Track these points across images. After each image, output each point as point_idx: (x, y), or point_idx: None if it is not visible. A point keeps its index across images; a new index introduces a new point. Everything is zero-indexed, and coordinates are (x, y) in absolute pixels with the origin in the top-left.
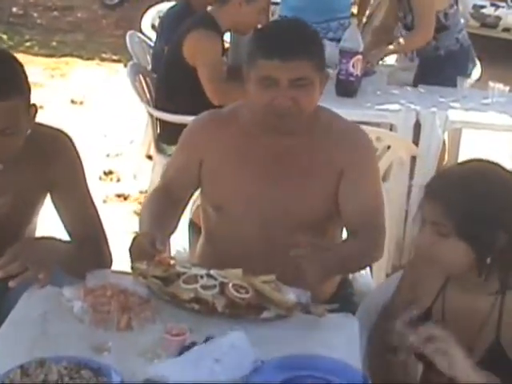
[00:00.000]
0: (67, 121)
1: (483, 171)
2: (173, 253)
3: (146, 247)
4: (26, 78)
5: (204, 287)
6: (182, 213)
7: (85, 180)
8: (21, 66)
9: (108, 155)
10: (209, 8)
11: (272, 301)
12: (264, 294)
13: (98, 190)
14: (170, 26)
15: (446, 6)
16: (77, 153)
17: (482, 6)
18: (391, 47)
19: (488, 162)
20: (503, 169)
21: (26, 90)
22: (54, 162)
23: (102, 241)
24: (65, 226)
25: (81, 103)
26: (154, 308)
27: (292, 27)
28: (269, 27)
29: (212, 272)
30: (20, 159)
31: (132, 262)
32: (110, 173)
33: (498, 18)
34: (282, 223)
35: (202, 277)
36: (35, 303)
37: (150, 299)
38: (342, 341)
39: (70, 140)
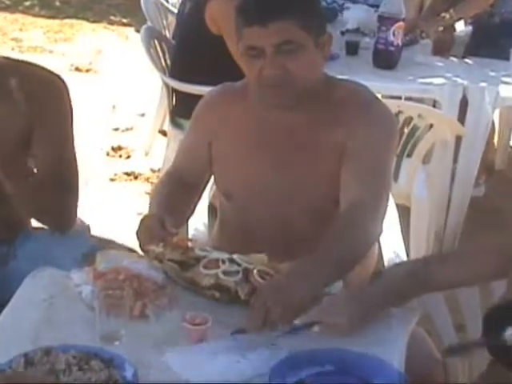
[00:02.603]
0: (71, 90)
1: None
2: (190, 235)
3: (155, 230)
4: None
5: (226, 273)
6: (197, 200)
7: (71, 127)
8: None
9: (117, 129)
10: None
11: None
12: None
13: (106, 167)
14: None
15: None
16: (69, 100)
17: None
18: (447, 15)
19: None
20: None
21: None
22: (42, 100)
23: (70, 192)
24: (36, 166)
25: (87, 71)
26: (170, 295)
27: None
28: None
29: (235, 257)
30: (10, 96)
31: (141, 246)
32: (119, 148)
33: None
34: (290, 210)
35: (223, 262)
36: (40, 287)
37: (166, 285)
38: (389, 335)
39: (66, 88)
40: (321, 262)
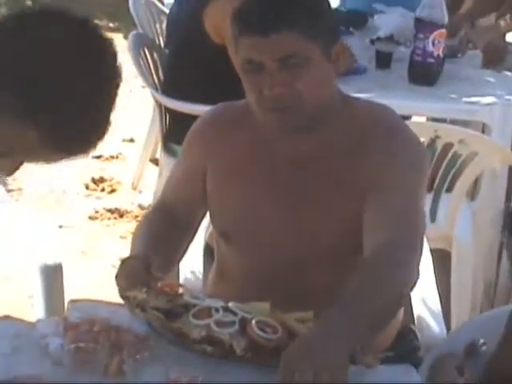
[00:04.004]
0: None
1: None
2: (182, 280)
3: (139, 273)
4: None
5: (219, 323)
6: (189, 239)
7: None
8: None
9: (99, 157)
10: None
11: None
12: (298, 336)
13: (84, 203)
14: None
15: None
16: None
17: None
18: (501, 22)
19: None
20: None
21: None
22: None
23: None
24: None
25: None
26: (153, 348)
27: None
28: None
29: (230, 305)
30: None
31: (121, 292)
32: (102, 180)
33: None
34: (298, 255)
35: (217, 310)
36: (1, 339)
37: (148, 337)
38: None
39: None
40: (354, 317)
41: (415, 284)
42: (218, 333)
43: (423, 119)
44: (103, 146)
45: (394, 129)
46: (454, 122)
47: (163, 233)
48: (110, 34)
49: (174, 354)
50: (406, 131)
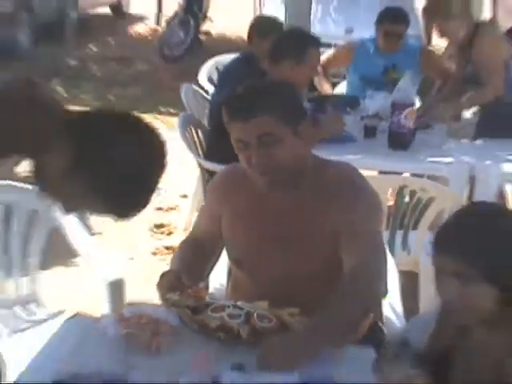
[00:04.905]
0: None
1: (493, 214)
2: (211, 289)
3: (173, 282)
4: None
5: (230, 316)
6: (213, 261)
7: None
8: None
9: (160, 209)
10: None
11: None
12: (287, 326)
13: (149, 242)
14: (229, 81)
15: (506, 57)
16: None
17: None
18: (460, 103)
19: (491, 204)
20: (505, 209)
21: None
22: None
23: None
24: None
25: None
26: (182, 335)
27: (252, 84)
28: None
29: (239, 303)
30: None
31: (161, 296)
32: (162, 226)
33: None
34: (291, 276)
35: (228, 307)
36: (73, 327)
37: (179, 327)
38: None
39: None
40: (335, 319)
41: (386, 293)
42: (230, 322)
43: (408, 175)
44: (165, 200)
45: (355, 183)
46: (431, 177)
47: (191, 255)
48: (170, 119)
49: (198, 340)
50: (364, 185)
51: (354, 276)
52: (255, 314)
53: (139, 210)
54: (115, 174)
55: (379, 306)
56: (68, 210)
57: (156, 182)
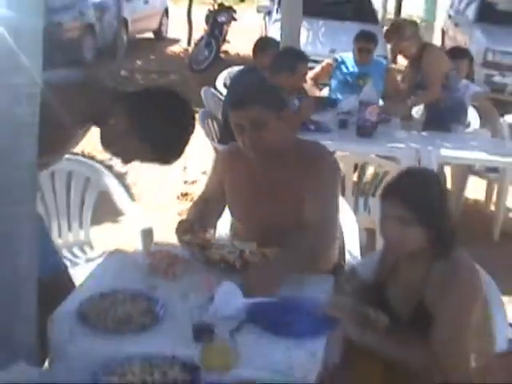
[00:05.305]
0: None
1: (424, 174)
2: (217, 236)
3: (186, 228)
4: None
5: (229, 252)
6: (218, 215)
7: None
8: None
9: (186, 182)
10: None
11: None
12: (270, 260)
13: (176, 207)
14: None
15: (447, 70)
16: None
17: (492, 75)
18: (410, 102)
19: (427, 170)
20: (432, 172)
21: None
22: None
23: None
24: None
25: None
26: (193, 265)
27: (243, 80)
28: (230, 83)
29: (235, 243)
30: None
31: (177, 237)
32: (186, 194)
33: (505, 85)
34: (275, 228)
35: (227, 246)
36: (112, 261)
37: (190, 260)
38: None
39: None
40: (292, 257)
41: (333, 239)
42: (228, 257)
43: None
44: (189, 175)
45: (325, 158)
46: (388, 158)
47: (201, 211)
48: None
49: (204, 269)
50: (329, 159)
51: (315, 222)
52: (247, 251)
53: (176, 159)
54: (160, 134)
55: (337, 249)
56: (126, 161)
57: (188, 139)
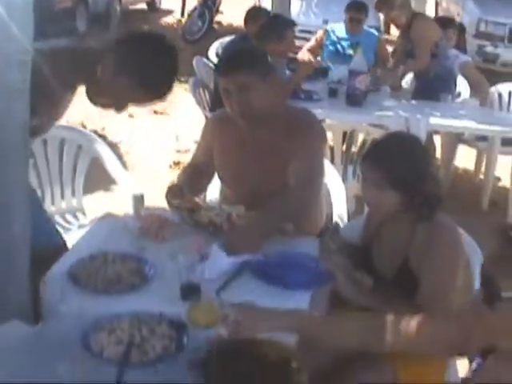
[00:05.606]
0: (151, 128)
1: (407, 142)
2: (207, 199)
3: (177, 192)
4: None
5: (217, 215)
6: (207, 180)
7: None
8: None
9: (179, 151)
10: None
11: None
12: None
13: (168, 175)
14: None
15: (437, 39)
16: None
17: (485, 45)
18: (400, 71)
19: (408, 135)
20: (414, 137)
21: None
22: None
23: None
24: None
25: (161, 113)
26: (182, 228)
27: (234, 48)
28: (222, 52)
29: (223, 206)
30: None
31: (167, 201)
32: (178, 163)
33: (497, 55)
34: (263, 192)
35: (215, 208)
36: (103, 225)
37: (180, 223)
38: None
39: None
40: (272, 216)
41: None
42: (216, 219)
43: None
44: (181, 144)
45: (312, 123)
46: (378, 126)
47: (191, 175)
48: (184, 84)
49: (193, 231)
50: (317, 127)
51: (297, 183)
52: (234, 214)
53: (168, 90)
54: (148, 68)
55: (324, 213)
56: (119, 108)
57: (174, 77)
